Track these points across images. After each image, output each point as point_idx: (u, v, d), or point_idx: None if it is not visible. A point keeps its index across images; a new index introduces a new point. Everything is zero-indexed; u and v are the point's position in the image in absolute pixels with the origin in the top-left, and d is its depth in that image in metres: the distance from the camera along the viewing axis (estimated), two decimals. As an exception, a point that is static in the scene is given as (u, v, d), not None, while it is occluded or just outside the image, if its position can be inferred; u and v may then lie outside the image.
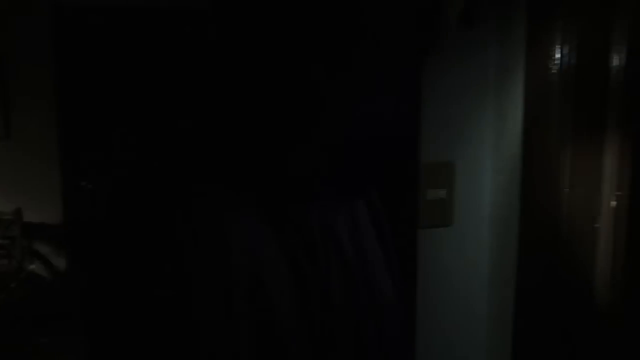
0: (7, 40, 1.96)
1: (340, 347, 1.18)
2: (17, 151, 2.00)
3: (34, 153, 1.99)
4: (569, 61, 1.93)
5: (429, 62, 1.72)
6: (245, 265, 1.08)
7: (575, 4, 1.91)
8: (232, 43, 1.14)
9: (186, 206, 1.11)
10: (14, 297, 1.95)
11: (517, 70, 2.06)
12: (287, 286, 1.13)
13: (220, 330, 1.06)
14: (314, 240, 1.16)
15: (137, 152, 2.00)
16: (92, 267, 2.02)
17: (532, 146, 2.05)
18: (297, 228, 1.15)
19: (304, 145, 1.11)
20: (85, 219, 2.02)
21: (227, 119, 1.16)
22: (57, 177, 2.00)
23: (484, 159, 2.16)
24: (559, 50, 1.93)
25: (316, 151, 1.12)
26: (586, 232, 1.96)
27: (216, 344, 1.06)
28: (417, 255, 2.09)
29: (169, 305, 1.07)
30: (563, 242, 2.00)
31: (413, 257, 2.07)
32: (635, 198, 1.88)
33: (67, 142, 1.98)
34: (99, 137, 2.00)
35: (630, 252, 1.91)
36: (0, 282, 1.95)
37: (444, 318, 2.20)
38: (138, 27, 1.97)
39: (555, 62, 1.94)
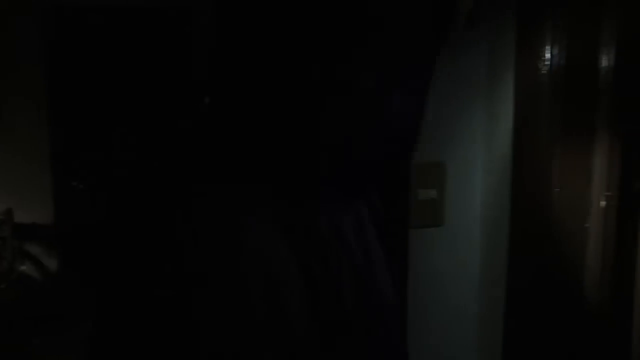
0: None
1: (349, 348, 1.18)
2: (7, 151, 1.99)
3: (25, 153, 1.98)
4: (558, 62, 1.94)
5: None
6: (255, 265, 1.07)
7: (565, 4, 1.92)
8: (236, 41, 1.13)
9: (186, 206, 1.09)
10: (4, 298, 1.94)
11: (508, 70, 2.07)
12: (298, 286, 1.11)
13: (228, 332, 1.04)
14: (324, 240, 1.15)
15: (129, 151, 2.00)
16: (83, 267, 2.02)
17: (523, 146, 2.06)
18: (306, 228, 1.14)
19: (312, 144, 1.10)
20: (76, 219, 2.01)
21: (232, 118, 1.15)
22: (48, 177, 1.99)
23: (474, 159, 2.17)
24: (549, 50, 1.94)
25: (324, 150, 1.11)
26: (576, 232, 1.97)
27: (223, 346, 1.04)
28: (408, 255, 2.10)
29: (167, 306, 1.05)
30: (553, 242, 2.01)
31: (404, 257, 2.07)
32: (624, 198, 1.89)
33: (59, 141, 1.97)
34: (91, 137, 1.99)
35: (620, 252, 1.92)
36: (-9, 283, 1.94)
37: (435, 318, 2.20)
38: (131, 27, 1.97)
39: (545, 62, 1.95)
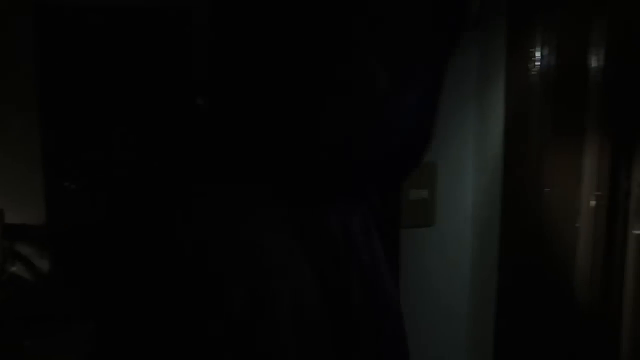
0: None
1: (360, 349, 1.17)
2: (-2, 152, 1.99)
3: (16, 153, 1.98)
4: (549, 62, 1.95)
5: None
6: (267, 267, 1.06)
7: (555, 5, 1.93)
8: (236, 39, 1.12)
9: (186, 206, 1.07)
10: (-5, 299, 1.94)
11: (498, 71, 2.07)
12: (309, 287, 1.10)
13: (238, 334, 1.03)
14: (334, 241, 1.14)
15: (121, 152, 2.00)
16: (75, 268, 2.01)
17: (514, 146, 2.06)
18: (316, 229, 1.13)
19: (316, 144, 1.09)
20: (68, 220, 2.01)
21: (233, 118, 1.14)
22: (39, 177, 1.98)
23: (465, 159, 2.18)
24: (539, 51, 1.95)
25: (327, 150, 1.10)
26: (566, 232, 1.98)
27: (229, 348, 1.03)
28: (400, 255, 2.10)
29: (165, 306, 1.04)
30: (544, 241, 2.02)
31: (395, 257, 2.08)
32: (614, 198, 1.90)
33: (50, 142, 1.97)
34: (82, 138, 1.99)
35: (610, 252, 1.93)
36: (-18, 284, 1.94)
37: (425, 318, 2.21)
38: (120, 27, 1.97)
39: (536, 63, 1.96)
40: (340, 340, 1.11)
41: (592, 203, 1.91)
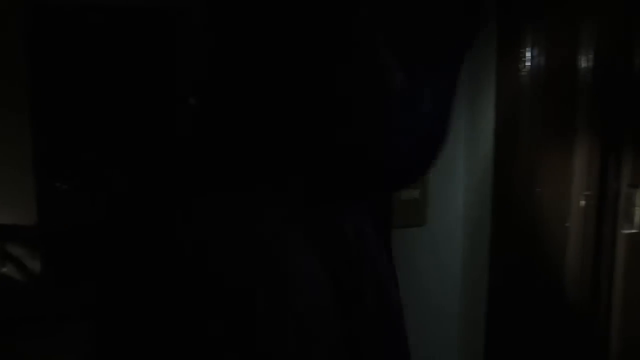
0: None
1: (371, 350, 1.17)
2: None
3: (7, 154, 1.97)
4: (538, 63, 1.96)
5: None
6: (281, 267, 1.05)
7: (544, 6, 1.94)
8: (236, 37, 1.11)
9: (186, 207, 1.06)
10: (-14, 300, 1.93)
11: (489, 72, 2.08)
12: (322, 287, 1.10)
13: (247, 335, 1.02)
14: (347, 243, 1.14)
15: (113, 152, 2.00)
16: (66, 269, 2.01)
17: (504, 147, 2.07)
18: (329, 230, 1.12)
19: (325, 145, 1.09)
20: (59, 220, 2.00)
21: (235, 117, 1.13)
22: (30, 178, 1.98)
23: (457, 159, 2.18)
24: (529, 52, 1.96)
25: (336, 151, 1.09)
26: (557, 231, 1.99)
27: (229, 348, 1.02)
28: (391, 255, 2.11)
29: (165, 306, 1.03)
30: (534, 241, 2.03)
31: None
32: (603, 198, 1.91)
33: (41, 142, 1.96)
34: (74, 138, 1.99)
35: (599, 251, 1.94)
36: (-27, 284, 1.93)
37: (416, 317, 2.21)
38: (114, 27, 1.96)
39: (526, 64, 1.97)
40: (350, 340, 1.12)
41: (582, 203, 1.92)
